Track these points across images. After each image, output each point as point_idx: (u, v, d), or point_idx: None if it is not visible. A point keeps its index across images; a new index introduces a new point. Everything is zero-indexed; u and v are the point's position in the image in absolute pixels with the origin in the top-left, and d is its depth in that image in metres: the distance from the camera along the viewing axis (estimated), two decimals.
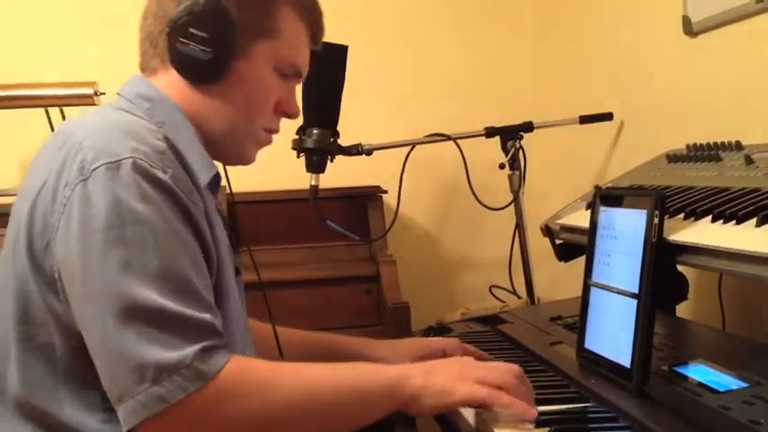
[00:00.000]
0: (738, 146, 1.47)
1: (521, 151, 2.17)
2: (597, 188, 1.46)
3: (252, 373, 0.97)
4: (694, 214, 1.22)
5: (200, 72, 1.12)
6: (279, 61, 1.16)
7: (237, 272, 1.21)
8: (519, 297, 2.23)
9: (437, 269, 2.70)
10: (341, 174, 2.23)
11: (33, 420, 1.00)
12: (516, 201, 2.18)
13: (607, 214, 1.24)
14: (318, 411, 1.00)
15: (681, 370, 1.11)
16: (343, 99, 2.10)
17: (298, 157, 2.11)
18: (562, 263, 1.73)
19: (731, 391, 1.01)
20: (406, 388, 1.02)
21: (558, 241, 1.69)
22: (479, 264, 2.68)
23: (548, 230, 1.70)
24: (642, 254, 1.10)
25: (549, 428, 1.01)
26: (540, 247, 1.91)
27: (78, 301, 0.96)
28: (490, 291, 2.29)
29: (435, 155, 2.34)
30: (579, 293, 1.28)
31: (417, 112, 2.58)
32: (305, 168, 2.11)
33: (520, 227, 2.20)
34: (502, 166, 2.14)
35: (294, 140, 2.08)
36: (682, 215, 1.24)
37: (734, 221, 1.12)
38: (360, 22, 2.48)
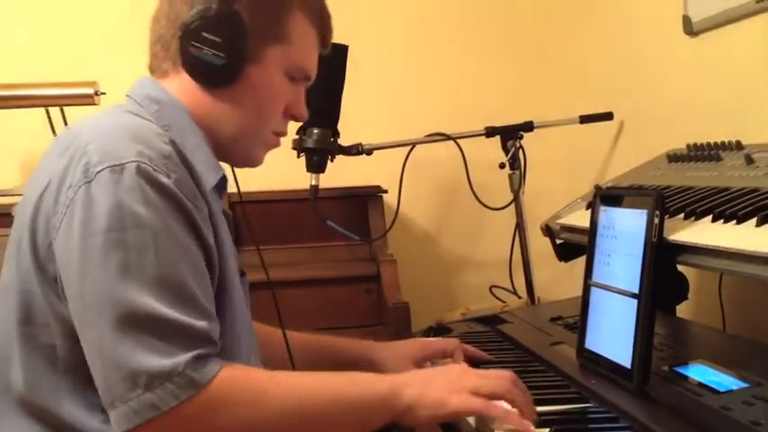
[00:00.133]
0: (739, 145, 1.47)
1: (521, 151, 2.17)
2: (597, 188, 1.46)
3: (245, 382, 0.97)
4: (694, 214, 1.22)
5: (212, 76, 1.12)
6: (289, 66, 1.16)
7: (242, 273, 1.21)
8: (519, 297, 2.23)
9: (437, 269, 2.69)
10: (341, 173, 2.23)
11: (36, 418, 1.01)
12: (516, 200, 2.18)
13: (607, 214, 1.24)
14: (312, 422, 1.00)
15: (681, 370, 1.11)
16: (343, 99, 2.10)
17: (298, 156, 2.11)
18: (562, 263, 1.73)
19: (731, 391, 1.01)
20: (401, 399, 1.02)
21: (558, 241, 1.69)
22: (479, 263, 2.67)
23: (548, 230, 1.70)
24: (642, 254, 1.10)
25: (549, 429, 1.01)
26: (541, 246, 1.91)
27: (75, 303, 0.96)
28: (490, 291, 2.29)
29: (435, 154, 2.34)
30: (579, 293, 1.28)
31: (417, 112, 2.57)
32: (305, 168, 2.11)
33: (520, 227, 2.20)
34: (502, 166, 2.14)
35: (294, 140, 2.08)
36: (682, 215, 1.24)
37: (734, 221, 1.12)
38: (360, 21, 2.47)
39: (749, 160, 1.35)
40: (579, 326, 1.26)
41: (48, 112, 2.21)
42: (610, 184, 1.68)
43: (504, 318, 1.70)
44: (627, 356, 1.10)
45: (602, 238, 1.24)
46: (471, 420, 1.10)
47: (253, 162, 1.22)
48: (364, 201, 2.41)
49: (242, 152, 1.19)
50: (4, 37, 2.45)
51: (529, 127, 2.19)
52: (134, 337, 0.92)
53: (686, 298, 1.48)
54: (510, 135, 2.17)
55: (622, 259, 1.17)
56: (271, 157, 1.23)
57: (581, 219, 1.55)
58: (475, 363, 1.36)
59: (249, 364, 1.16)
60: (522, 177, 2.18)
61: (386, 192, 2.39)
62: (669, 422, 0.98)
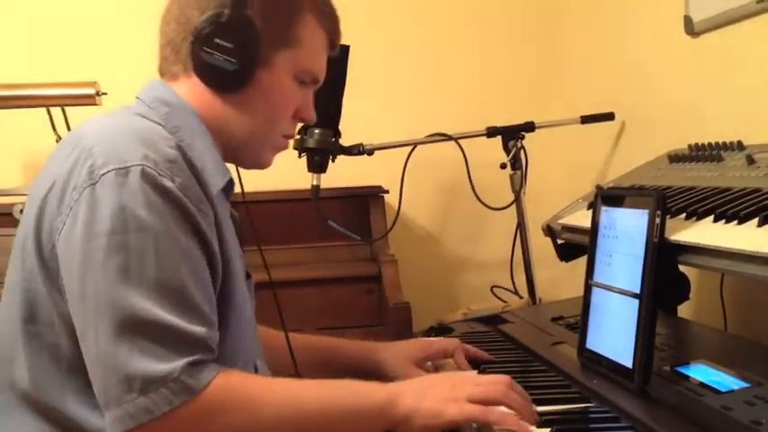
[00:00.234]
0: (740, 146, 1.47)
1: (522, 151, 2.17)
2: (599, 188, 1.46)
3: (241, 389, 0.97)
4: (696, 214, 1.22)
5: (224, 81, 1.12)
6: (299, 70, 1.16)
7: (248, 276, 1.21)
8: (520, 297, 2.23)
9: (438, 269, 2.69)
10: (342, 174, 2.23)
11: (41, 414, 1.01)
12: (518, 200, 2.18)
13: (609, 214, 1.24)
14: (308, 429, 1.00)
15: (682, 370, 1.11)
16: (344, 99, 2.10)
17: (299, 156, 2.11)
18: (564, 263, 1.73)
19: (733, 391, 1.01)
20: (397, 409, 1.02)
21: (559, 241, 1.69)
22: (481, 264, 2.67)
23: (549, 230, 1.70)
24: (644, 254, 1.10)
25: (550, 429, 1.01)
26: (542, 247, 1.91)
27: (76, 303, 0.96)
28: (492, 291, 2.29)
29: (437, 155, 2.34)
30: (581, 293, 1.28)
31: (419, 112, 2.58)
32: (306, 168, 2.11)
33: (521, 227, 2.20)
34: (503, 166, 2.14)
35: (296, 140, 2.08)
36: (683, 215, 1.24)
37: (735, 221, 1.12)
38: (361, 21, 2.47)
39: (750, 160, 1.35)
40: (580, 326, 1.26)
41: (49, 112, 2.21)
42: (611, 185, 1.68)
43: (506, 318, 1.70)
44: (628, 356, 1.10)
45: (604, 239, 1.24)
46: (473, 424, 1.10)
47: (262, 165, 1.22)
48: (365, 201, 2.41)
49: (252, 155, 1.19)
50: (4, 37, 2.45)
51: (530, 127, 2.19)
52: (131, 340, 0.92)
53: (687, 298, 1.48)
54: (511, 135, 2.17)
55: (624, 259, 1.17)
56: None
57: (582, 219, 1.55)
58: (476, 363, 1.36)
59: (254, 368, 1.16)
60: (524, 177, 2.18)
61: (387, 192, 2.39)
62: (670, 422, 0.98)
